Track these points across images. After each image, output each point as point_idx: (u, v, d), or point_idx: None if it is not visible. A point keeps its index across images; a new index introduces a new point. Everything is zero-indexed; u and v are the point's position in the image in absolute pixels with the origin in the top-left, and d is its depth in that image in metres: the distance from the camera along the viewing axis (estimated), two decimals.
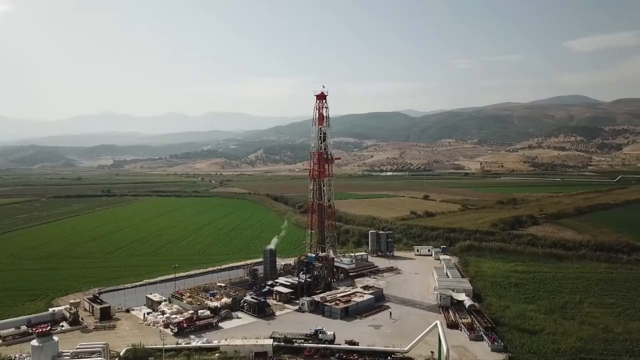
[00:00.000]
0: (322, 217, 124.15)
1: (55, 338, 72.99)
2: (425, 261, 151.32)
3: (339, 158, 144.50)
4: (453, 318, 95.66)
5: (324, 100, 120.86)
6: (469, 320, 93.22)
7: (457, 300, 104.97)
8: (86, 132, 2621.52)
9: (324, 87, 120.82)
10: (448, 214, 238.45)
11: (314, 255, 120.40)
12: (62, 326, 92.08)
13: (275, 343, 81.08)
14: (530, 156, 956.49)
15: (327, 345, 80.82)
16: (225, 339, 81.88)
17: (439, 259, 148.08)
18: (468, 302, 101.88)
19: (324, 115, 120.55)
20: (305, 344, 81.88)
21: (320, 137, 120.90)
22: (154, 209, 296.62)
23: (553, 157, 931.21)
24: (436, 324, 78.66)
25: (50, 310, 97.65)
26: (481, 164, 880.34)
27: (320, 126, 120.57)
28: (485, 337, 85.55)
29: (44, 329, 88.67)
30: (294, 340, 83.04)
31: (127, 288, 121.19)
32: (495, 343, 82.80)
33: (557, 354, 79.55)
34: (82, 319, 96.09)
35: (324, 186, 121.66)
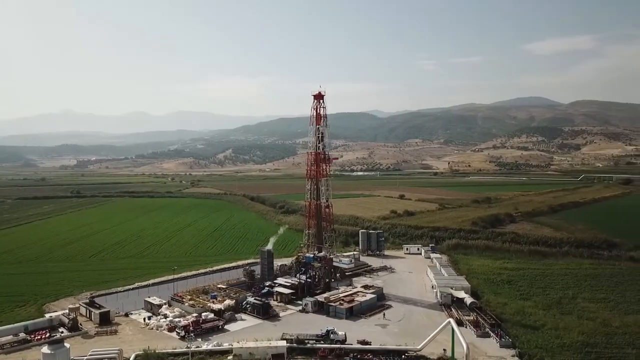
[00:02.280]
0: (319, 217, 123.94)
1: (67, 345, 70.28)
2: (416, 260, 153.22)
3: (337, 158, 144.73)
4: (457, 316, 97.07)
5: (321, 100, 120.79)
6: (473, 317, 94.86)
7: (456, 297, 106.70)
8: (46, 131, 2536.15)
9: (320, 86, 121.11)
10: (427, 213, 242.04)
11: (312, 255, 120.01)
12: (62, 332, 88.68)
13: (288, 344, 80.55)
14: (495, 156, 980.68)
15: (341, 346, 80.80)
16: (238, 342, 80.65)
17: (429, 258, 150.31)
18: (469, 299, 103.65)
19: (322, 114, 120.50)
20: (318, 345, 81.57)
21: (318, 136, 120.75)
22: (129, 210, 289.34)
23: (517, 156, 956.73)
24: (449, 322, 79.85)
25: (47, 316, 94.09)
26: (449, 163, 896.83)
27: (318, 125, 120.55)
28: (492, 334, 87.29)
29: (43, 336, 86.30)
30: (306, 341, 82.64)
31: (120, 291, 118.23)
32: (503, 339, 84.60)
33: (564, 348, 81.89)
34: (80, 324, 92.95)
35: (322, 186, 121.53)
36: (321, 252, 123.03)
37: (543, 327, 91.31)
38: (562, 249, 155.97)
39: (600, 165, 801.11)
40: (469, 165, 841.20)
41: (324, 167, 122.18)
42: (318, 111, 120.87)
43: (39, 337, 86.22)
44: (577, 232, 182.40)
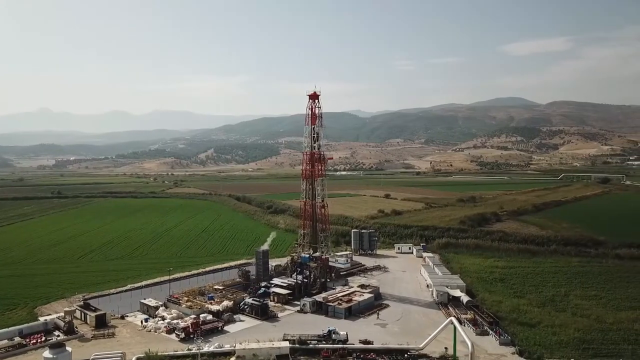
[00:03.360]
0: (314, 217, 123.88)
1: (69, 349, 68.95)
2: (408, 259, 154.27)
3: (331, 158, 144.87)
4: (455, 314, 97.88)
5: (316, 100, 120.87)
6: (471, 315, 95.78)
7: (452, 296, 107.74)
8: (22, 130, 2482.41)
9: (315, 86, 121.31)
10: (414, 212, 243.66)
11: (307, 255, 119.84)
12: (59, 336, 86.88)
13: (290, 345, 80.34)
14: (476, 155, 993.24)
15: (344, 346, 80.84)
16: (240, 343, 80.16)
17: (421, 257, 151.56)
18: (465, 298, 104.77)
19: (317, 114, 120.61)
20: (320, 345, 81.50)
21: (314, 136, 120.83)
22: (113, 210, 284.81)
23: (497, 156, 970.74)
24: (450, 321, 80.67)
25: (42, 319, 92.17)
26: (431, 163, 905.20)
27: (313, 125, 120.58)
28: (491, 332, 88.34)
29: (39, 340, 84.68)
30: (308, 341, 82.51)
31: (113, 294, 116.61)
32: (502, 337, 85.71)
33: (561, 345, 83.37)
34: (76, 327, 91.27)
35: (317, 186, 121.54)
36: (316, 252, 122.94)
37: (539, 324, 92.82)
38: (550, 247, 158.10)
39: (578, 165, 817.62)
40: (451, 165, 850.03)
41: (320, 167, 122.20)
42: (313, 111, 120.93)
43: (34, 341, 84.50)
44: (562, 231, 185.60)
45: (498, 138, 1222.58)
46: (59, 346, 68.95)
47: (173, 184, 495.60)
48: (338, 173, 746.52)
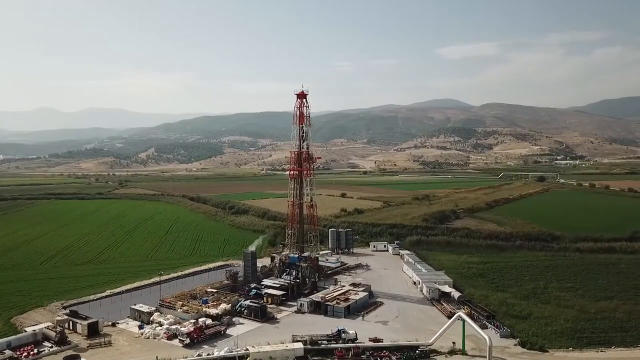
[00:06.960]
0: (302, 217, 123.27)
1: None
2: (385, 257, 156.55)
3: (320, 157, 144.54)
4: (450, 309, 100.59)
5: (304, 99, 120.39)
6: (467, 310, 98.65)
7: (442, 292, 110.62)
8: None
9: (303, 86, 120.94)
10: (375, 211, 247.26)
11: (296, 255, 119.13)
12: (52, 347, 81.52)
13: (304, 346, 79.71)
14: (417, 155, 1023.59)
15: (357, 344, 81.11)
16: (254, 346, 78.58)
17: (397, 254, 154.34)
18: (456, 293, 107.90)
19: (305, 114, 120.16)
20: (332, 345, 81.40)
21: (302, 135, 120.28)
22: (62, 213, 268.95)
23: (437, 155, 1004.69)
24: (460, 316, 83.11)
25: (30, 330, 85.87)
26: (375, 162, 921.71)
27: (301, 125, 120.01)
28: (490, 325, 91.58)
29: (30, 352, 79.59)
30: (319, 342, 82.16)
31: (92, 300, 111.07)
32: (501, 330, 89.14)
33: (557, 335, 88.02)
34: (67, 337, 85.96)
35: (306, 185, 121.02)
36: (303, 252, 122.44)
37: (530, 316, 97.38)
38: (515, 243, 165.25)
39: (512, 164, 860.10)
40: (395, 164, 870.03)
41: (308, 166, 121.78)
42: (301, 110, 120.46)
43: (25, 353, 78.87)
44: (518, 227, 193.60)
45: (437, 138, 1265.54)
46: (74, 358, 64.64)
47: (118, 185, 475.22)
48: (286, 173, 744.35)
